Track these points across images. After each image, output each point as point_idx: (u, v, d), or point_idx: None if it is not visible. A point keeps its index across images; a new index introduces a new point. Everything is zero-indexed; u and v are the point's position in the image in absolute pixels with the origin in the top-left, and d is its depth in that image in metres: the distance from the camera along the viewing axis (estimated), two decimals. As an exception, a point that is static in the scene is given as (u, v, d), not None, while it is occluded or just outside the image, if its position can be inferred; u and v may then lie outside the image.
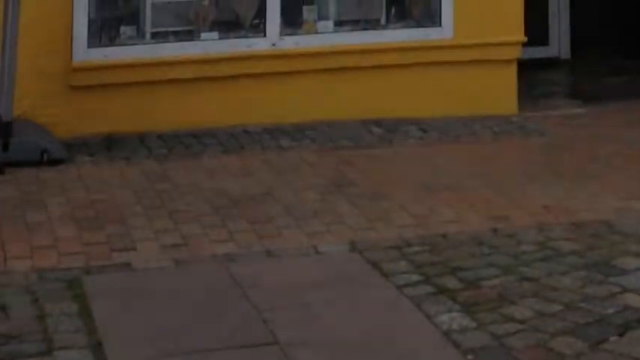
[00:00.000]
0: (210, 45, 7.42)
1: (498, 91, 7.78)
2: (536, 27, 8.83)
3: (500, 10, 7.77)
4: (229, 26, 7.65)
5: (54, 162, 6.34)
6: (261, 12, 7.54)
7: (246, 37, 7.57)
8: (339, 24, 7.82)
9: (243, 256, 4.96)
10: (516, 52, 7.90)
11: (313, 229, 5.32)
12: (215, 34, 7.51)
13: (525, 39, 7.91)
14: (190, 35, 7.51)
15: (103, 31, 7.38)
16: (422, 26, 7.94)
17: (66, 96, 7.01)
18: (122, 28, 7.43)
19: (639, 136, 7.22)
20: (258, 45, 7.47)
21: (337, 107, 7.47)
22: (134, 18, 7.53)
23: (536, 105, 8.29)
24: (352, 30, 7.81)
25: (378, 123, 7.44)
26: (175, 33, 7.50)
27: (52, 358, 3.82)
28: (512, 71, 7.89)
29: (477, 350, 3.89)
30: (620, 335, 4.00)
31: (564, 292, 4.43)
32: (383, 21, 7.96)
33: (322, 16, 7.82)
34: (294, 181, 6.15)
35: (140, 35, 7.45)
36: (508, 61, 7.87)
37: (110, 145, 6.83)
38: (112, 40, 7.38)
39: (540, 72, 9.37)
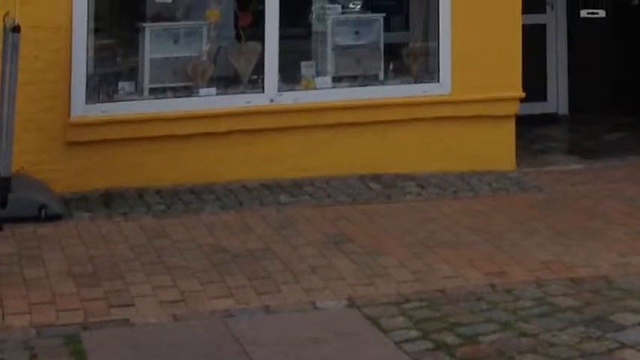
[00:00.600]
0: (209, 101, 7.58)
1: (496, 147, 7.93)
2: (534, 83, 8.99)
3: (499, 66, 7.95)
4: (227, 82, 7.84)
5: (52, 217, 6.44)
6: (260, 68, 7.72)
7: (244, 92, 7.74)
8: (337, 80, 8.03)
9: (242, 311, 5.04)
10: (514, 108, 8.05)
11: (312, 285, 5.41)
12: (213, 90, 7.67)
13: (523, 95, 8.07)
14: (189, 91, 7.68)
15: (102, 87, 7.53)
16: (420, 82, 8.13)
17: (64, 152, 7.14)
18: (120, 84, 7.60)
19: (637, 193, 7.35)
20: (256, 101, 7.64)
21: (335, 163, 7.61)
22: (132, 74, 7.72)
23: (535, 161, 8.44)
24: (350, 86, 8.00)
25: (376, 179, 7.57)
26: (174, 89, 7.68)
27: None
28: (510, 127, 8.05)
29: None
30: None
31: (562, 347, 4.52)
32: (381, 77, 8.17)
33: (320, 72, 8.04)
34: (293, 236, 6.26)
35: (139, 91, 7.62)
36: (506, 117, 8.03)
37: (108, 200, 6.95)
38: (111, 96, 7.53)
39: (538, 128, 9.53)
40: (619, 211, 6.90)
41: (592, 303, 5.10)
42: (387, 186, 7.47)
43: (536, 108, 9.62)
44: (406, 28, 8.54)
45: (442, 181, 7.58)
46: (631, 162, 8.31)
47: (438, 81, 8.02)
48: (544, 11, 10.51)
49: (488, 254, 5.94)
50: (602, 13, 10.29)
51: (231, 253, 5.90)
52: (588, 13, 10.34)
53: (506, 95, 7.98)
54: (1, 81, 6.53)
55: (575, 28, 10.46)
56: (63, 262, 5.69)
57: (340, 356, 4.50)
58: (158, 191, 7.15)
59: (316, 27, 8.22)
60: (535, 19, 10.03)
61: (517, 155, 8.08)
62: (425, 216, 6.79)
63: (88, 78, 7.34)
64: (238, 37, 7.96)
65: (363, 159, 7.67)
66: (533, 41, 9.41)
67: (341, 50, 8.14)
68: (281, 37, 7.67)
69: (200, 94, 7.63)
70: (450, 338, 4.63)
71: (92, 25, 7.42)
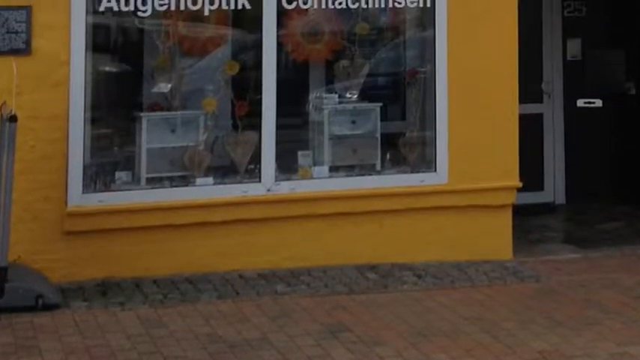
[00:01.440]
0: (206, 190, 7.81)
1: (493, 237, 8.14)
2: (531, 172, 9.22)
3: (496, 156, 8.21)
4: (224, 171, 8.06)
5: (49, 307, 6.60)
6: (257, 157, 7.96)
7: (241, 182, 7.96)
8: (334, 169, 8.27)
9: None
10: (511, 198, 8.28)
11: (309, 375, 5.56)
12: (210, 180, 7.90)
13: (520, 184, 8.31)
14: (186, 180, 7.90)
15: (98, 177, 7.73)
16: (417, 171, 8.37)
17: (61, 241, 7.33)
18: (117, 174, 7.82)
19: (634, 283, 7.54)
20: (253, 190, 7.86)
21: (332, 252, 7.81)
22: (129, 163, 7.94)
23: (532, 250, 8.63)
24: (347, 175, 8.24)
25: (373, 268, 7.76)
26: (170, 178, 7.89)
27: None
28: (507, 216, 8.26)
29: None
30: None
31: None
32: (378, 166, 8.41)
33: (317, 162, 8.28)
34: (290, 326, 6.41)
35: (135, 181, 7.84)
36: (503, 207, 8.25)
37: (105, 290, 7.12)
38: (107, 186, 7.74)
39: (535, 217, 9.73)
40: (616, 301, 7.07)
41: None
42: (384, 275, 7.65)
43: (533, 197, 9.84)
44: (403, 117, 8.80)
45: (439, 271, 7.77)
46: (628, 252, 8.53)
47: (435, 170, 8.26)
48: (541, 101, 10.79)
49: (486, 344, 6.09)
50: (598, 103, 10.58)
51: (228, 342, 6.06)
52: (585, 103, 10.62)
53: (503, 185, 8.21)
54: (-2, 171, 6.73)
55: (572, 117, 10.72)
56: (60, 352, 5.84)
57: None
58: (155, 281, 7.33)
59: (313, 116, 8.50)
60: (532, 108, 10.31)
61: (514, 245, 8.28)
62: (422, 306, 6.96)
63: (85, 167, 7.56)
64: (235, 127, 8.19)
65: (360, 248, 7.88)
66: (530, 131, 9.67)
67: (338, 140, 8.39)
68: (278, 127, 7.92)
69: (197, 183, 7.86)
70: None
71: (89, 114, 7.66)
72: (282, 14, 8.05)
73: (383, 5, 8.24)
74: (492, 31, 8.23)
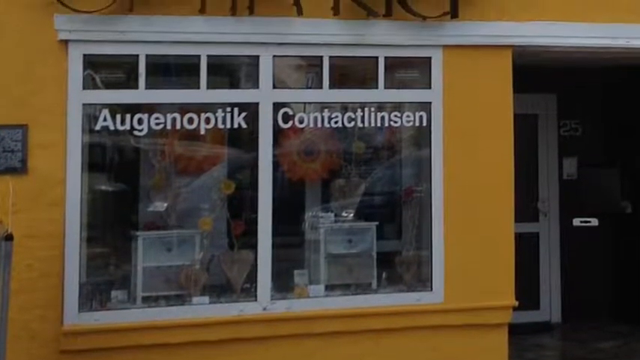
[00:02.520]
0: (201, 309, 8.02)
1: (489, 355, 8.38)
2: (527, 291, 9.44)
3: (491, 275, 8.49)
4: (220, 290, 8.30)
5: None
6: (253, 276, 8.20)
7: (237, 301, 8.19)
8: (330, 288, 8.52)
9: None
10: (507, 317, 8.52)
11: None
12: (206, 299, 8.13)
13: (516, 303, 8.54)
14: (181, 299, 8.12)
15: (94, 295, 7.94)
16: (413, 290, 8.61)
17: (57, 360, 7.50)
18: (113, 293, 8.04)
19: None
20: (249, 309, 8.08)
21: (328, 370, 8.01)
22: (125, 282, 8.17)
23: (528, 369, 8.81)
24: (343, 294, 8.49)
25: (369, 383, 7.91)
26: (166, 297, 8.12)
27: None
28: (503, 335, 8.50)
29: None
30: None
31: None
32: (374, 285, 8.67)
33: (313, 281, 8.55)
34: None
35: (131, 299, 8.06)
36: (499, 326, 8.49)
37: (100, 409, 7.27)
38: (103, 304, 7.94)
39: (531, 336, 9.90)
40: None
41: None
42: (381, 395, 7.81)
43: (529, 316, 10.04)
44: (399, 236, 9.07)
45: (435, 389, 7.93)
46: (626, 371, 8.70)
47: (431, 289, 8.52)
48: (537, 220, 11.07)
49: None
50: (595, 222, 10.85)
51: None
52: (581, 222, 10.89)
53: (499, 304, 8.47)
54: (-7, 290, 6.94)
55: (569, 236, 10.98)
56: None
57: None
58: (151, 400, 7.48)
59: (309, 235, 8.79)
60: (528, 227, 10.60)
61: (510, 363, 8.47)
62: None
63: (81, 286, 7.77)
64: (231, 246, 8.45)
65: (356, 367, 8.08)
66: (526, 249, 9.93)
67: (334, 259, 8.66)
68: (274, 246, 8.18)
69: (193, 302, 8.08)
70: None
71: (85, 233, 7.90)
72: (278, 133, 8.40)
73: (379, 124, 8.62)
74: (488, 151, 8.59)
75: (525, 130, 10.40)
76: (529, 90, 9.90)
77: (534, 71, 9.74)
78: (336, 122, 8.54)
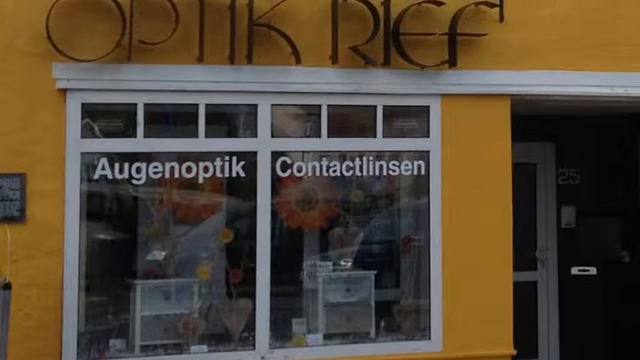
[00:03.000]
0: (200, 358, 8.07)
1: (487, 405, 8.36)
2: (525, 340, 9.41)
3: (490, 323, 8.50)
4: (219, 339, 8.31)
5: None
6: (251, 325, 8.21)
7: (235, 350, 8.21)
8: (328, 337, 8.53)
9: None
10: (506, 365, 8.52)
11: None
12: (204, 347, 8.15)
13: (515, 352, 8.57)
14: (180, 348, 8.14)
15: (93, 345, 7.95)
16: (411, 339, 8.63)
17: (55, 415, 7.51)
18: (112, 341, 8.04)
19: None
20: (247, 358, 8.11)
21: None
22: (124, 331, 8.17)
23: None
24: (342, 343, 8.51)
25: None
26: (165, 346, 8.13)
27: None
28: (502, 384, 8.50)
29: None
30: None
31: None
32: (372, 334, 8.68)
33: (312, 329, 8.55)
34: None
35: (130, 348, 8.06)
36: (497, 374, 8.49)
37: None
38: (102, 353, 7.94)
39: (530, 385, 9.91)
40: None
41: None
42: None
43: (527, 365, 10.03)
44: (397, 285, 9.10)
45: None
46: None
47: (430, 338, 8.53)
48: (535, 268, 11.09)
49: None
50: (593, 271, 10.87)
51: None
52: (580, 271, 10.91)
53: (497, 353, 8.49)
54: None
55: (567, 285, 10.99)
56: None
57: None
58: None
59: (307, 284, 8.80)
60: (526, 276, 10.61)
61: (508, 414, 8.48)
62: None
63: (80, 335, 7.78)
64: (229, 294, 8.48)
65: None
66: (525, 298, 9.93)
67: (332, 307, 8.67)
68: (272, 294, 8.20)
69: (191, 351, 8.10)
70: None
71: (83, 282, 7.93)
72: (276, 182, 8.44)
73: (377, 173, 8.68)
74: (487, 199, 8.64)
75: (524, 178, 10.44)
76: (527, 138, 9.95)
77: (533, 119, 9.80)
78: (334, 171, 8.59)
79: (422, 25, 8.46)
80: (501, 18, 8.66)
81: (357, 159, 8.59)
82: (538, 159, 11.37)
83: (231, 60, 8.01)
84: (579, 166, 11.52)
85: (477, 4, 8.52)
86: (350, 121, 8.93)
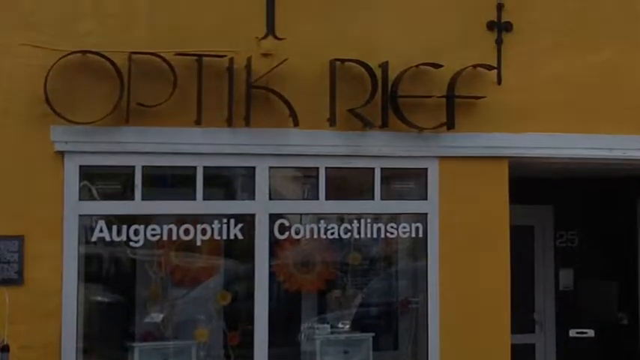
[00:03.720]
0: None
1: None
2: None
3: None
4: None
5: None
6: (248, 385, 8.20)
7: None
8: None
9: None
10: None
11: None
12: None
13: None
14: None
15: None
16: None
17: None
18: None
19: None
20: (246, 421, 8.07)
21: None
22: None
23: None
24: None
25: None
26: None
27: None
28: None
29: None
30: None
31: None
32: None
33: None
34: None
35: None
36: None
37: None
38: None
39: None
40: None
41: None
42: None
43: None
44: (395, 347, 9.14)
45: None
46: None
47: None
48: (533, 331, 11.05)
49: None
50: (591, 333, 10.83)
51: None
52: (577, 333, 10.87)
53: None
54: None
55: (565, 347, 10.95)
56: None
57: None
58: None
59: (305, 347, 8.81)
60: (524, 338, 10.57)
61: None
62: None
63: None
64: (227, 357, 8.50)
65: None
66: (523, 361, 9.90)
67: (330, 367, 8.66)
68: (270, 357, 8.13)
69: None
70: None
71: (81, 344, 7.89)
72: (274, 244, 8.44)
73: (375, 235, 8.68)
74: (485, 262, 8.62)
75: (521, 240, 10.44)
76: (526, 201, 9.96)
77: (531, 182, 9.84)
78: (332, 233, 8.59)
79: (420, 87, 8.52)
80: (499, 80, 8.72)
81: (355, 221, 8.59)
82: (536, 221, 11.39)
83: (229, 122, 8.04)
84: (578, 229, 11.54)
85: (474, 66, 8.58)
86: (348, 183, 8.95)
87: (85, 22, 7.83)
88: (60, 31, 7.74)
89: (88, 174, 8.01)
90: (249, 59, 8.00)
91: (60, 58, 7.58)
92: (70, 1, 7.86)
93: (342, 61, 8.28)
